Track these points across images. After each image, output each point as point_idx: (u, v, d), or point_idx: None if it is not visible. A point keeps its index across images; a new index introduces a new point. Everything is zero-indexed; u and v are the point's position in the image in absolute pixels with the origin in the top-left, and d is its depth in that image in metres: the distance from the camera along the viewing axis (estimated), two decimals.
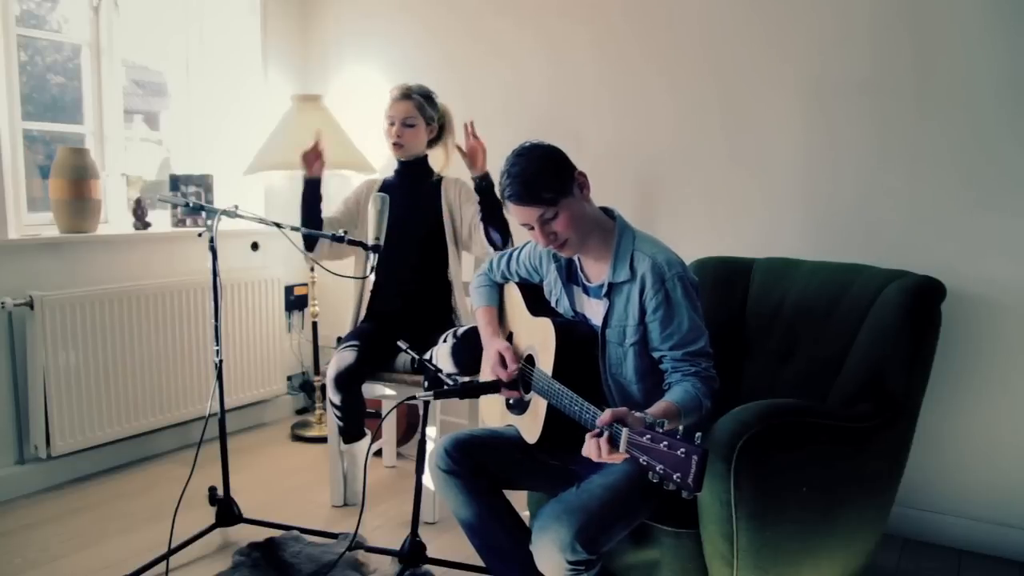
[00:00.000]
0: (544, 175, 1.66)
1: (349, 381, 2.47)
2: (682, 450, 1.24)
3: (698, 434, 1.28)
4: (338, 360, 2.48)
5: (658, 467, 1.27)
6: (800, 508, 1.63)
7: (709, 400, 1.64)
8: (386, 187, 2.71)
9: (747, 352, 2.15)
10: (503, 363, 1.87)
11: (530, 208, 1.67)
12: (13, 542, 2.43)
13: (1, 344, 2.74)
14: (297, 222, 2.52)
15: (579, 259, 1.84)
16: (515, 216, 1.72)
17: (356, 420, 2.60)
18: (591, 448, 1.41)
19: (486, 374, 2.06)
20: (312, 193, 2.63)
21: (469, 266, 2.80)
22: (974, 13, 2.26)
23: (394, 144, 2.64)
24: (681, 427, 1.55)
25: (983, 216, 2.30)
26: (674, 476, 1.24)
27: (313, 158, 2.61)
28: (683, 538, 1.66)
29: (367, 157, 3.34)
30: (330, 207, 2.75)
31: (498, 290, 2.10)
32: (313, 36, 3.77)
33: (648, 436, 1.30)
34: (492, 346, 1.93)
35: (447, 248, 2.68)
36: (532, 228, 1.71)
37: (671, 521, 1.67)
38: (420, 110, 2.63)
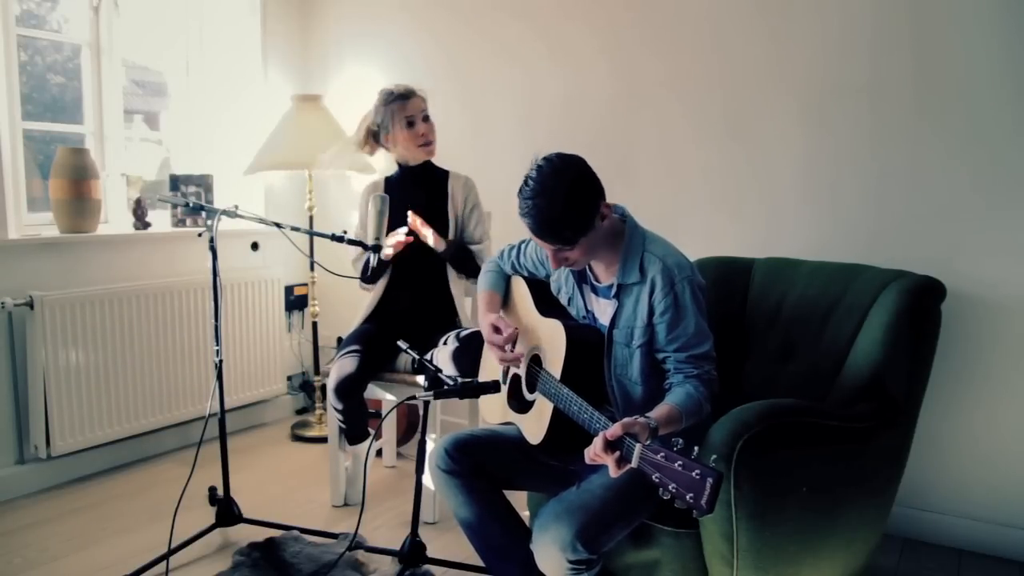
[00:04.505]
0: (569, 218, 1.59)
1: (351, 389, 2.47)
2: (697, 472, 1.24)
3: (714, 456, 1.27)
4: (339, 368, 2.46)
5: (671, 485, 1.28)
6: (800, 508, 1.63)
7: (709, 404, 1.64)
8: (390, 186, 2.68)
9: (747, 352, 2.15)
10: (496, 331, 1.85)
11: (546, 243, 1.65)
12: (13, 542, 2.43)
13: (1, 344, 2.73)
14: (297, 223, 2.51)
15: None
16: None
17: (359, 423, 2.60)
18: (598, 454, 1.41)
19: (486, 374, 2.06)
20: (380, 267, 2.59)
21: None
22: (973, 17, 2.26)
23: (426, 144, 2.57)
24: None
25: (983, 216, 2.30)
26: (687, 496, 1.25)
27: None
28: (683, 538, 1.66)
29: (367, 158, 3.33)
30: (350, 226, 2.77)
31: (505, 279, 2.08)
32: (313, 36, 3.77)
33: (662, 454, 1.30)
34: (486, 320, 1.90)
35: None
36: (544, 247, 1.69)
37: (671, 521, 1.67)
38: (425, 103, 2.60)
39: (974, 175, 2.31)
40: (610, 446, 1.40)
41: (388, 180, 2.71)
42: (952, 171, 2.34)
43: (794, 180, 2.60)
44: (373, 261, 2.23)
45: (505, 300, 2.07)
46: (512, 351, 1.86)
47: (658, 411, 1.54)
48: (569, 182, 1.61)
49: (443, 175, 2.70)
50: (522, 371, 1.88)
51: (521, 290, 2.00)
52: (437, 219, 2.63)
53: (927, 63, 2.35)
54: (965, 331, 2.33)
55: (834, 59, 2.49)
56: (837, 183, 2.52)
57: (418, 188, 2.64)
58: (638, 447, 1.35)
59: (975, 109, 2.29)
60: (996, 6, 2.24)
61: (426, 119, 2.58)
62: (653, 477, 1.31)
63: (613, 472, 1.41)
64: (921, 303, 1.89)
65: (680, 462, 1.27)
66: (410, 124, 2.55)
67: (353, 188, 3.54)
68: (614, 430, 1.40)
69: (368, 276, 2.61)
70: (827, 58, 2.50)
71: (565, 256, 1.67)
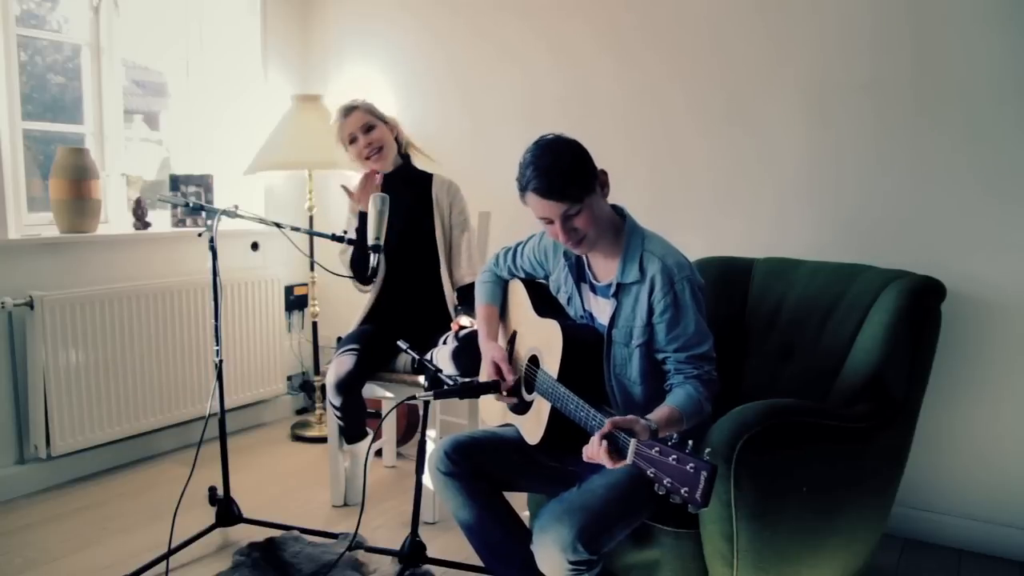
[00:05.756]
0: (573, 171, 1.64)
1: (349, 386, 2.46)
2: (691, 465, 1.24)
3: (708, 449, 1.26)
4: (337, 365, 2.47)
5: (665, 480, 1.27)
6: (800, 508, 1.63)
7: (710, 404, 1.64)
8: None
9: (747, 352, 2.15)
10: (499, 373, 1.87)
11: (555, 203, 1.64)
12: (13, 542, 2.43)
13: (1, 344, 2.74)
14: (297, 223, 2.50)
15: (587, 257, 1.83)
16: (535, 209, 1.68)
17: (357, 421, 2.60)
18: (595, 452, 1.41)
19: (485, 374, 2.06)
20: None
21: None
22: (974, 16, 2.26)
23: (368, 158, 2.57)
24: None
25: (984, 216, 2.30)
26: (682, 490, 1.25)
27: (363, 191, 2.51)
28: (683, 538, 1.66)
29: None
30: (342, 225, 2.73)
31: (502, 287, 2.09)
32: (313, 36, 3.77)
33: (657, 449, 1.30)
34: (488, 354, 1.93)
35: (438, 250, 2.65)
36: (551, 223, 1.68)
37: (671, 521, 1.67)
38: (371, 112, 2.59)
39: (975, 175, 2.31)
40: (606, 439, 1.41)
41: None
42: (953, 171, 2.34)
43: (795, 180, 2.60)
44: (374, 261, 2.23)
45: (503, 305, 2.07)
46: (509, 396, 1.88)
47: (658, 413, 1.54)
48: (566, 144, 1.69)
49: (426, 179, 2.69)
50: (520, 372, 1.88)
51: (519, 292, 2.00)
52: (422, 224, 2.63)
53: (928, 62, 2.35)
54: (965, 331, 2.33)
55: (835, 59, 2.49)
56: (838, 183, 2.52)
57: (401, 192, 2.62)
58: (633, 442, 1.35)
59: (976, 109, 2.29)
60: (997, 5, 2.24)
61: (368, 130, 2.56)
62: (648, 472, 1.31)
63: (609, 465, 1.41)
64: (921, 303, 1.89)
65: (674, 456, 1.27)
66: (352, 141, 2.59)
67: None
68: (608, 427, 1.40)
69: (364, 274, 2.56)
70: (828, 58, 2.50)
71: (574, 225, 1.67)
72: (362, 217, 2.49)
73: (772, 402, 1.67)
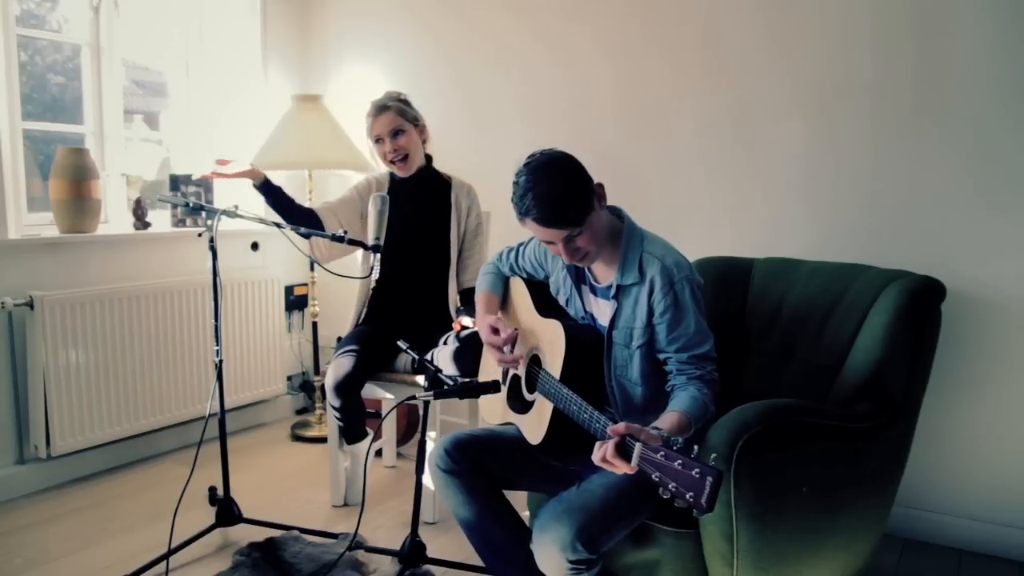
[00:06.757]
0: (572, 195, 1.61)
1: (348, 387, 2.46)
2: (696, 470, 1.24)
3: (713, 455, 1.25)
4: (336, 367, 2.46)
5: (671, 484, 1.27)
6: (800, 508, 1.63)
7: (714, 405, 1.64)
8: (395, 185, 2.66)
9: (747, 352, 2.15)
10: (495, 332, 1.86)
11: (556, 230, 1.63)
12: (13, 542, 2.43)
13: (1, 344, 2.73)
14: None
15: None
16: (536, 234, 1.67)
17: (357, 422, 2.60)
18: (600, 458, 1.40)
19: (486, 374, 2.07)
20: (273, 196, 2.49)
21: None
22: (974, 16, 2.26)
23: (392, 162, 2.55)
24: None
25: (984, 216, 2.30)
26: (687, 495, 1.24)
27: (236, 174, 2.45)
28: (683, 538, 1.66)
29: (367, 157, 3.33)
30: (331, 197, 2.70)
31: (503, 280, 2.08)
32: (313, 36, 3.77)
33: (662, 453, 1.30)
34: (484, 321, 1.91)
35: (450, 253, 2.65)
36: (553, 243, 1.67)
37: (671, 521, 1.67)
38: (403, 115, 2.54)
39: (975, 175, 2.31)
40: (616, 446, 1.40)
41: (392, 178, 2.68)
42: (952, 171, 2.34)
43: (794, 180, 2.60)
44: (373, 261, 2.23)
45: (504, 301, 2.07)
46: (511, 352, 1.87)
47: (668, 421, 1.53)
48: (561, 165, 1.64)
49: (446, 181, 2.69)
50: (522, 371, 1.88)
51: (520, 291, 2.00)
52: (439, 226, 2.63)
53: (928, 63, 2.34)
54: (965, 331, 2.33)
55: (836, 59, 2.49)
56: (838, 183, 2.52)
57: (420, 193, 2.64)
58: (638, 446, 1.35)
59: (976, 110, 2.29)
60: (998, 6, 2.24)
61: (397, 134, 2.52)
62: (653, 476, 1.31)
63: (617, 470, 1.40)
64: (921, 303, 1.89)
65: (679, 461, 1.26)
66: (377, 141, 2.56)
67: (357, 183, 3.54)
68: (617, 428, 1.39)
69: (289, 215, 2.49)
70: (829, 58, 2.50)
71: (576, 246, 1.66)
72: (263, 189, 2.47)
73: (772, 402, 1.67)
